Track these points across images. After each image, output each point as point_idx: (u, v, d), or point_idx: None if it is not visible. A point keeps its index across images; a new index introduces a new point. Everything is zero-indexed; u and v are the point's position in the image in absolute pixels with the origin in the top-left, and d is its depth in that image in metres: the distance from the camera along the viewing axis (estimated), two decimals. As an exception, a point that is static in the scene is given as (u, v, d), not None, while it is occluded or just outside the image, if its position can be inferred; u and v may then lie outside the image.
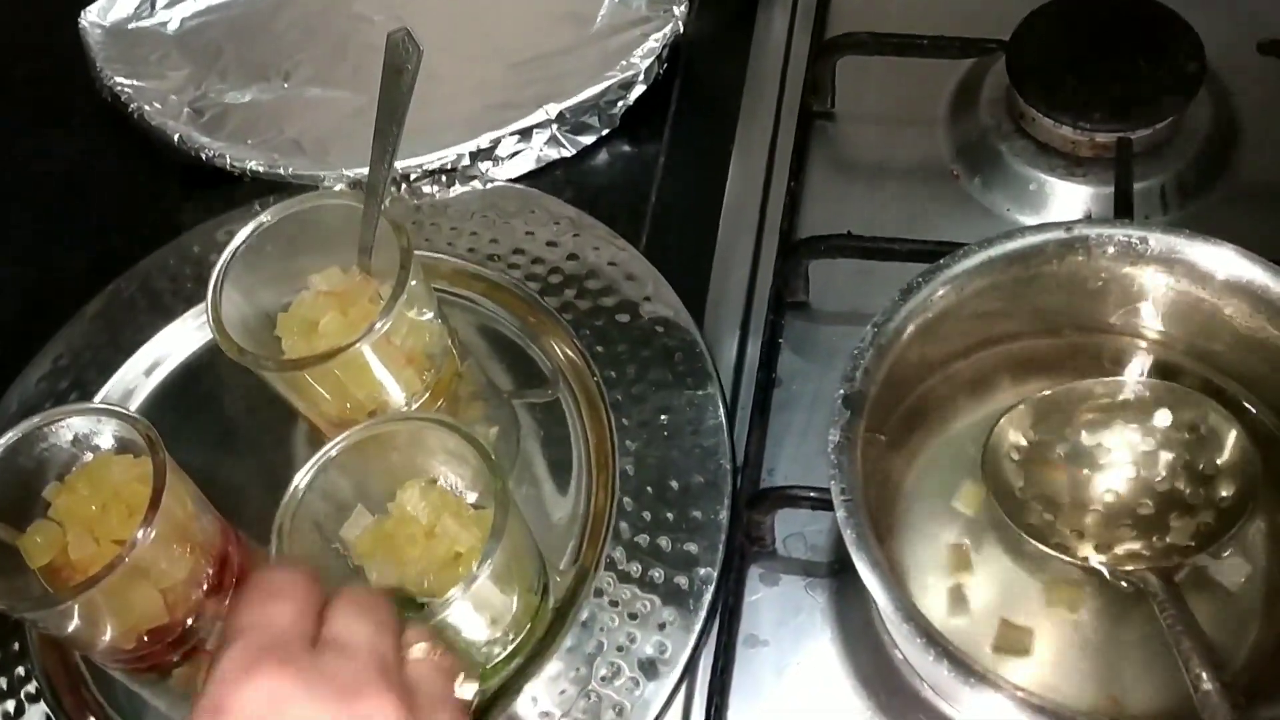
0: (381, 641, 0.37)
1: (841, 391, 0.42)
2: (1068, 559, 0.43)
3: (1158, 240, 0.43)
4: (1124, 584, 0.43)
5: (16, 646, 0.52)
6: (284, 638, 0.36)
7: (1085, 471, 0.45)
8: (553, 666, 0.48)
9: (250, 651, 0.35)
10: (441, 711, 0.37)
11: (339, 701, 0.34)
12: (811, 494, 0.47)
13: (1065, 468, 0.45)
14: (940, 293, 0.44)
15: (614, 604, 0.50)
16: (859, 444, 0.41)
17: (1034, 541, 0.43)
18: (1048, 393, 0.46)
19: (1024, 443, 0.45)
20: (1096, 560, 0.43)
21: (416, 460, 0.48)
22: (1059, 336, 0.48)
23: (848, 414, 0.41)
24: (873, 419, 0.42)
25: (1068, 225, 0.44)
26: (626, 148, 0.66)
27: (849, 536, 0.39)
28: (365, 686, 0.35)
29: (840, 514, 0.40)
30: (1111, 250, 0.44)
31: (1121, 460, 0.45)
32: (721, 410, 0.54)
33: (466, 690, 0.40)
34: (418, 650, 0.38)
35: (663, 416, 0.54)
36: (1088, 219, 0.45)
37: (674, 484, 0.52)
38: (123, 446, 0.49)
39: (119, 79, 0.69)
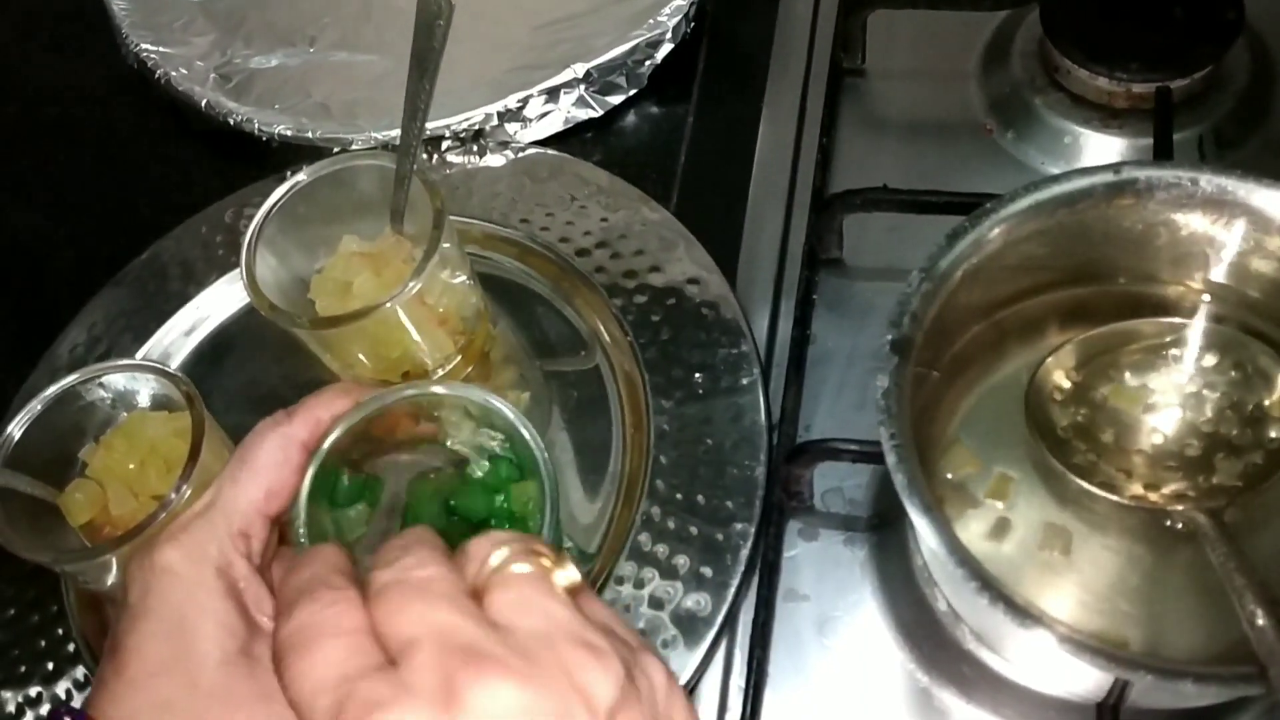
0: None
1: (889, 336, 0.41)
2: (1114, 497, 0.43)
3: (1209, 181, 0.43)
4: (1171, 523, 0.43)
5: (55, 609, 0.52)
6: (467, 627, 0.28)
7: (1131, 412, 0.45)
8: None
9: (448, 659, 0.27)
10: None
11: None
12: (853, 447, 0.47)
13: (1110, 408, 0.45)
14: (988, 236, 0.43)
15: (651, 560, 0.49)
16: (908, 389, 0.41)
17: (1078, 479, 0.43)
18: (1093, 333, 0.45)
19: (1068, 384, 0.45)
20: (1143, 499, 0.43)
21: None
22: (1107, 284, 0.47)
23: (895, 359, 0.41)
24: (921, 362, 0.42)
25: (1116, 167, 0.43)
26: (655, 108, 0.66)
27: (899, 481, 0.39)
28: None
29: (891, 459, 0.39)
30: (1161, 193, 0.43)
31: (1167, 401, 0.45)
32: (756, 368, 0.54)
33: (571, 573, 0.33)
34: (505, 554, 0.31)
35: (697, 375, 0.54)
36: (1137, 161, 0.44)
37: (709, 441, 0.52)
38: (158, 403, 0.48)
39: (145, 45, 0.68)
